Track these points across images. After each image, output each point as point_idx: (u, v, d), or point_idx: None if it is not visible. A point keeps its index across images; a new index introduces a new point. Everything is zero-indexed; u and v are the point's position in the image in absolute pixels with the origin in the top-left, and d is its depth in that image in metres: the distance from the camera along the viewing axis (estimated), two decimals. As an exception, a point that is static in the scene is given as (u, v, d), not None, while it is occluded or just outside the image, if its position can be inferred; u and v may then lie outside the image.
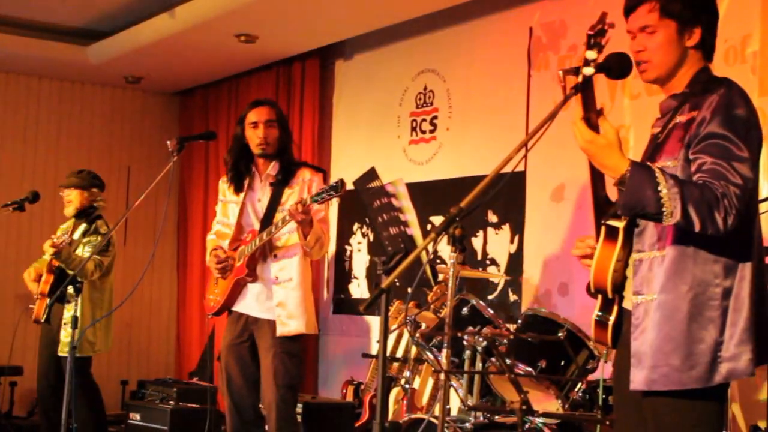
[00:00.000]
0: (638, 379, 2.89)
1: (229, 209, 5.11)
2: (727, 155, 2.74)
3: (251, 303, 4.96)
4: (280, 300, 4.86)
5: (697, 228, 2.70)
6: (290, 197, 4.87)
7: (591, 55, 2.77)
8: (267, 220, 4.90)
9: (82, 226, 6.50)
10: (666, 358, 2.81)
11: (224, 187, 5.15)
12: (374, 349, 7.14)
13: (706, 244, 2.80)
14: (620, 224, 2.93)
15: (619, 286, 2.96)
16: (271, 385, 4.80)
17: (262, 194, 5.00)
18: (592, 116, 2.82)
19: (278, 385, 4.80)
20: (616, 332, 3.00)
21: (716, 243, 2.78)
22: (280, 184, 4.94)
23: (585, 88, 2.79)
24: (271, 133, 4.93)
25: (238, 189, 5.04)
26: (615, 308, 2.99)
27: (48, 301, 6.38)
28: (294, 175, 4.95)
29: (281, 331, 4.84)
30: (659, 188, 2.69)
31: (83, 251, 6.29)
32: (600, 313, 3.01)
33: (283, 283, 4.87)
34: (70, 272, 6.21)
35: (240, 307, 5.01)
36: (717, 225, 2.69)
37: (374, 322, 7.56)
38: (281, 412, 4.78)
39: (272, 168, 4.98)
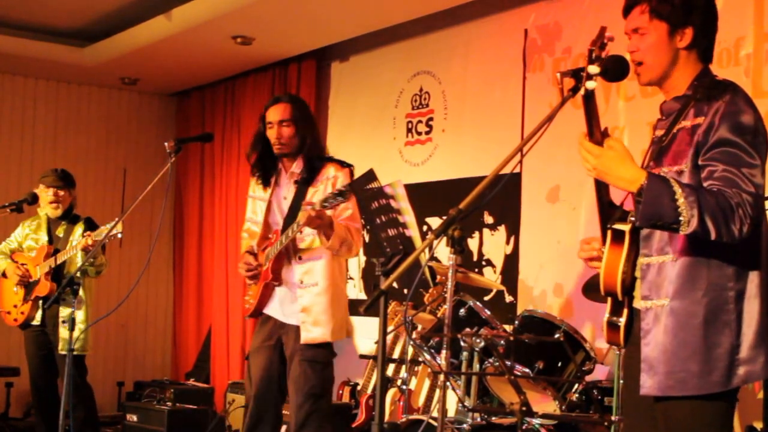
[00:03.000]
0: (649, 384, 2.90)
1: (257, 206, 4.94)
2: (737, 162, 2.76)
3: (277, 307, 4.80)
4: (304, 305, 4.66)
5: (713, 237, 2.71)
6: (314, 196, 4.66)
7: (593, 69, 2.80)
8: (290, 220, 4.69)
9: (65, 225, 6.53)
10: (683, 364, 2.82)
11: (253, 182, 4.97)
12: (371, 350, 7.16)
13: (719, 249, 2.81)
14: (626, 227, 2.94)
15: (629, 288, 2.98)
16: (293, 392, 4.65)
17: (287, 192, 4.82)
18: (596, 133, 2.85)
19: (299, 393, 4.63)
20: (628, 333, 3.01)
21: (728, 247, 2.79)
22: (304, 183, 4.76)
23: (588, 102, 2.82)
24: (285, 133, 4.73)
25: (265, 185, 4.88)
26: (625, 310, 3.00)
27: (40, 303, 6.43)
28: (319, 172, 4.74)
29: (305, 337, 4.65)
30: (676, 197, 2.70)
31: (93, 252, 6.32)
32: (611, 316, 3.03)
33: (309, 287, 4.67)
34: (91, 270, 6.28)
35: (269, 309, 4.84)
36: (733, 234, 2.71)
37: (370, 322, 7.57)
38: (300, 420, 4.62)
39: (296, 165, 4.79)
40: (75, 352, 6.24)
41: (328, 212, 4.53)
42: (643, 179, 2.75)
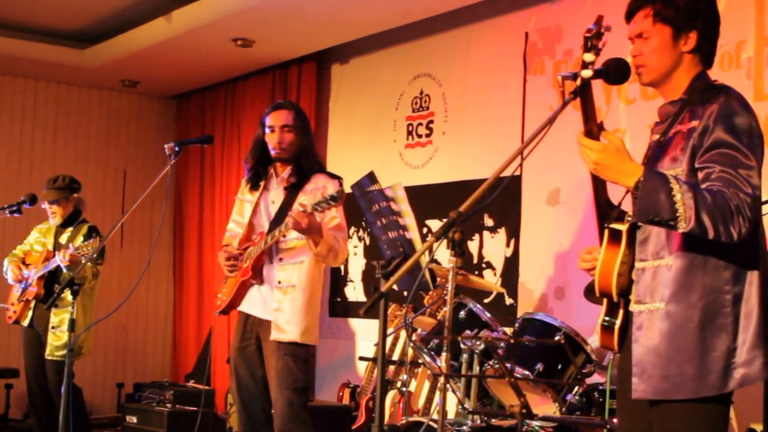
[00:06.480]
0: (642, 387, 2.89)
1: (244, 208, 5.04)
2: (734, 163, 2.75)
3: (257, 304, 4.89)
4: (278, 305, 4.77)
5: (711, 235, 2.70)
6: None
7: (588, 57, 2.77)
8: (276, 224, 4.81)
9: (70, 232, 6.56)
10: (679, 368, 2.81)
11: (243, 184, 5.09)
12: (371, 352, 7.16)
13: (715, 252, 2.80)
14: (623, 227, 2.93)
15: (625, 290, 2.97)
16: (276, 387, 4.73)
17: (276, 196, 4.92)
18: (593, 128, 2.82)
19: (283, 388, 4.71)
20: (623, 336, 3.00)
21: (725, 250, 2.79)
22: (294, 188, 4.87)
23: (584, 92, 2.79)
24: (286, 138, 4.84)
25: (254, 188, 4.98)
26: (621, 312, 2.99)
27: (33, 304, 6.46)
28: (308, 180, 4.86)
29: (276, 336, 4.74)
30: (673, 193, 2.69)
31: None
32: (606, 318, 3.02)
33: (286, 288, 4.77)
34: (77, 281, 6.29)
35: (246, 307, 4.93)
36: (732, 235, 2.70)
37: (370, 325, 7.58)
38: (286, 415, 4.69)
39: (287, 171, 4.90)
40: (61, 357, 6.26)
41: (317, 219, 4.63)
42: (640, 174, 2.74)
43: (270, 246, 4.80)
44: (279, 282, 4.80)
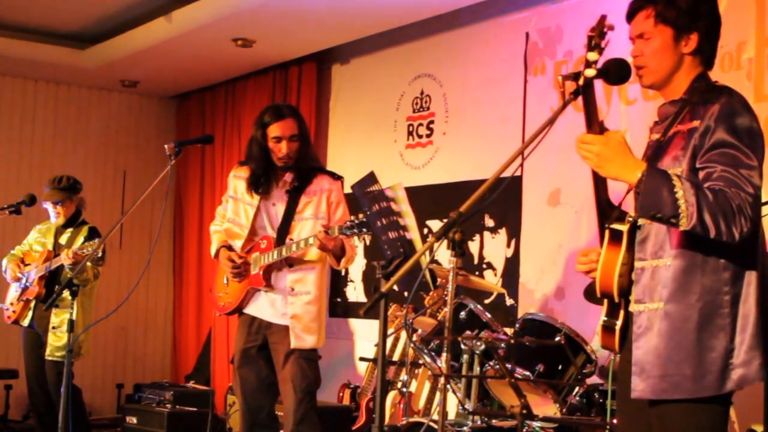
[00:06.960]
0: (641, 387, 2.89)
1: (240, 208, 4.99)
2: (735, 163, 2.75)
3: (265, 307, 4.88)
4: (295, 312, 4.78)
5: (712, 234, 2.70)
6: (307, 206, 4.81)
7: (592, 56, 2.79)
8: (283, 228, 4.83)
9: (70, 232, 6.56)
10: (677, 368, 2.82)
11: (237, 183, 5.02)
12: (371, 352, 7.15)
13: (714, 252, 2.80)
14: (624, 227, 2.93)
15: (626, 290, 2.97)
16: (289, 390, 4.75)
17: (277, 199, 4.90)
18: (596, 129, 2.84)
19: (296, 390, 4.74)
20: (624, 337, 3.00)
21: (724, 251, 2.79)
22: (296, 192, 4.85)
23: (586, 92, 2.80)
24: (293, 147, 4.82)
25: (253, 191, 4.93)
26: (621, 312, 2.99)
27: (33, 304, 6.47)
28: (311, 182, 4.86)
29: (296, 344, 4.76)
30: (675, 190, 2.70)
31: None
32: (607, 319, 3.02)
33: (300, 295, 4.79)
34: (76, 281, 6.27)
35: (252, 310, 4.92)
36: (733, 235, 2.70)
37: (370, 325, 7.57)
38: (298, 417, 4.73)
39: (289, 175, 4.88)
40: (62, 358, 6.25)
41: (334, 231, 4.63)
42: (643, 169, 2.75)
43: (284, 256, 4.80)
44: (292, 289, 4.81)
